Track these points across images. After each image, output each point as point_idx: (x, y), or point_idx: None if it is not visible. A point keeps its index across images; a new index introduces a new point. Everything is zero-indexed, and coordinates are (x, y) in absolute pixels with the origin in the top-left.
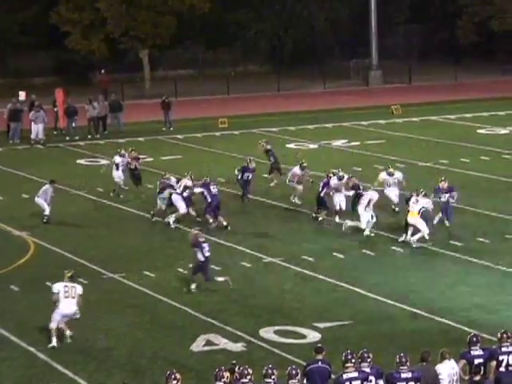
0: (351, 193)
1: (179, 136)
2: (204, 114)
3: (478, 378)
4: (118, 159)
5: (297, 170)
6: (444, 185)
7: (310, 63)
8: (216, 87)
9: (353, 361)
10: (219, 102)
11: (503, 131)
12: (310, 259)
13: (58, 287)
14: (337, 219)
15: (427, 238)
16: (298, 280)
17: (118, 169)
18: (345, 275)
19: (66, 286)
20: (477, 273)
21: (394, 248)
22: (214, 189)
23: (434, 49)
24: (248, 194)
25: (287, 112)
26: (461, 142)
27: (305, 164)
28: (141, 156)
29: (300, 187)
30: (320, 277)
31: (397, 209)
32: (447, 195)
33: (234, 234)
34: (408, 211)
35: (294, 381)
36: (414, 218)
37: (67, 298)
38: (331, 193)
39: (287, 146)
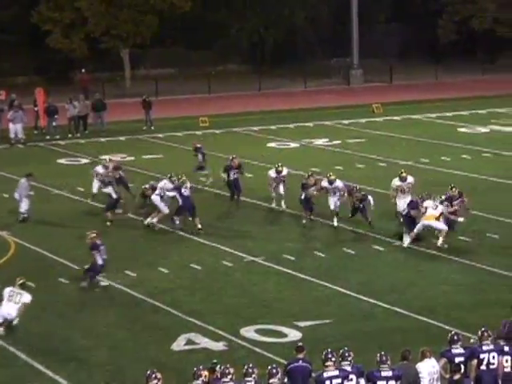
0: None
1: (160, 135)
2: (185, 113)
3: (458, 376)
4: (100, 170)
5: (272, 173)
6: (455, 192)
7: (290, 62)
8: (197, 86)
9: (333, 359)
10: (200, 100)
11: (484, 130)
12: (292, 258)
13: (5, 291)
14: (335, 223)
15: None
16: (279, 279)
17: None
18: (326, 274)
19: (11, 291)
20: (458, 271)
21: (375, 247)
22: (185, 191)
23: (414, 48)
24: (240, 195)
25: (268, 111)
26: (441, 140)
27: (280, 168)
28: (121, 155)
29: (274, 194)
30: (301, 276)
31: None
32: (459, 201)
33: (215, 233)
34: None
35: (274, 380)
36: (430, 221)
37: (10, 302)
38: (324, 194)
39: (268, 145)
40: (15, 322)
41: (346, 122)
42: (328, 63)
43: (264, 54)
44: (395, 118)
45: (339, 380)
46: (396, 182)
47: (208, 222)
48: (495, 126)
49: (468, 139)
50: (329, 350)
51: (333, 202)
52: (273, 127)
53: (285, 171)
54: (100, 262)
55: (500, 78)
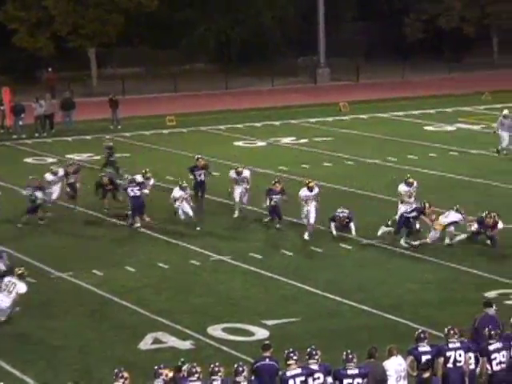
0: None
1: (127, 134)
2: (152, 112)
3: (427, 374)
4: (49, 177)
5: (232, 173)
6: (490, 221)
7: (257, 61)
8: (164, 85)
9: (294, 358)
10: (167, 99)
11: (450, 128)
12: (259, 257)
13: (3, 280)
14: (306, 236)
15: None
16: (246, 278)
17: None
18: (294, 273)
19: (9, 281)
20: (426, 270)
21: (342, 245)
22: (132, 191)
23: (381, 46)
24: (204, 195)
25: (235, 110)
26: (408, 139)
27: (240, 169)
28: (88, 154)
29: (236, 195)
30: (268, 274)
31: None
32: (491, 230)
33: (182, 232)
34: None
35: (240, 377)
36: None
37: (3, 292)
38: (303, 202)
39: (235, 143)
40: (16, 310)
41: (312, 120)
42: (295, 62)
43: (231, 53)
44: (362, 116)
45: (302, 378)
46: (403, 187)
47: (175, 222)
48: (462, 124)
49: (435, 137)
50: (290, 349)
51: (314, 210)
52: (240, 126)
53: (246, 173)
54: (3, 267)
55: (466, 77)
